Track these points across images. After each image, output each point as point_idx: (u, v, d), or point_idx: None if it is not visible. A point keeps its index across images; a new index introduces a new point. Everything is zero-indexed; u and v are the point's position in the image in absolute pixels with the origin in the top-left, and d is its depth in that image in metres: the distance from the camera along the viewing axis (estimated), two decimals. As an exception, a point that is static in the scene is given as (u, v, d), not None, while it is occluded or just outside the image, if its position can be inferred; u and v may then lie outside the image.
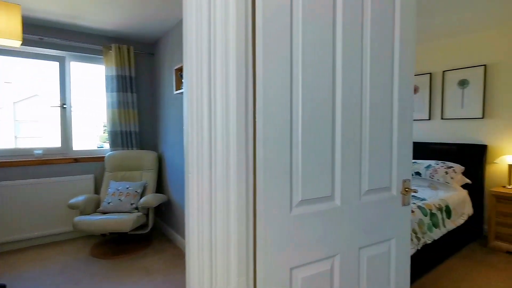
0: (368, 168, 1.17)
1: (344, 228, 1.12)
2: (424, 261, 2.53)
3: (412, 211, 2.45)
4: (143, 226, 3.09)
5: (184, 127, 0.95)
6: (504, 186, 3.09)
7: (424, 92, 3.88)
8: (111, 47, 3.42)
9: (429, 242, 2.47)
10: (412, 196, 2.92)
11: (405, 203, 1.32)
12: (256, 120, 0.89)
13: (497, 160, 3.12)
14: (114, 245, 3.14)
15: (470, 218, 3.12)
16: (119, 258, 2.85)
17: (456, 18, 2.92)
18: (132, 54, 3.52)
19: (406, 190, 1.30)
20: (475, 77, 3.40)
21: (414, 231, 2.35)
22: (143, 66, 3.76)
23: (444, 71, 3.67)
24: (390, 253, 1.29)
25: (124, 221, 2.74)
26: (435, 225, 2.56)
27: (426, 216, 2.52)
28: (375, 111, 1.17)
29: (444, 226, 2.67)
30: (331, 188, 1.08)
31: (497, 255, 2.84)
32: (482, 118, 3.37)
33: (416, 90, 3.98)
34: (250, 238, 0.89)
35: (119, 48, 3.44)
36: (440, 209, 2.71)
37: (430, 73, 3.82)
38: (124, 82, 3.50)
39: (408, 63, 1.26)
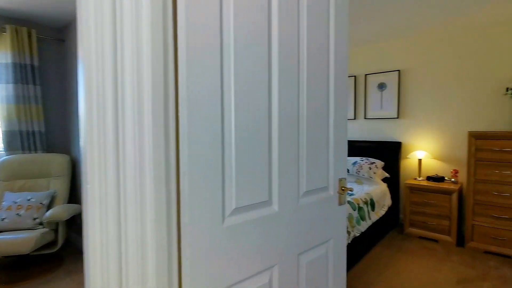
0: (306, 168, 1.10)
1: (282, 234, 1.02)
2: (353, 253, 2.66)
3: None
4: (51, 244, 2.59)
5: (81, 126, 0.72)
6: (415, 178, 3.47)
7: (350, 94, 4.15)
8: (5, 28, 2.79)
9: (358, 235, 2.61)
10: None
11: (341, 202, 1.29)
12: (179, 112, 0.72)
13: (409, 155, 3.49)
14: (12, 271, 2.56)
15: (389, 209, 3.43)
16: (18, 286, 2.32)
17: (374, 26, 3.16)
18: (34, 39, 2.94)
19: (342, 189, 1.27)
20: (391, 81, 3.76)
21: (345, 226, 2.44)
22: (50, 54, 3.18)
23: (366, 75, 3.98)
24: (328, 254, 1.24)
25: (23, 241, 2.24)
26: (362, 218, 2.72)
27: (354, 210, 2.65)
28: (312, 112, 1.11)
29: (370, 218, 2.86)
30: (269, 192, 0.97)
31: (411, 241, 3.17)
32: (397, 118, 3.74)
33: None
34: (173, 260, 0.72)
35: (16, 30, 2.84)
36: (366, 202, 2.89)
37: (354, 76, 4.10)
38: (23, 72, 2.89)
39: (342, 68, 1.24)
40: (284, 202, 1.02)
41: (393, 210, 3.60)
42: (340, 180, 1.27)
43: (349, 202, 2.68)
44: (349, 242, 2.45)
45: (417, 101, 3.60)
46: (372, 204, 3.00)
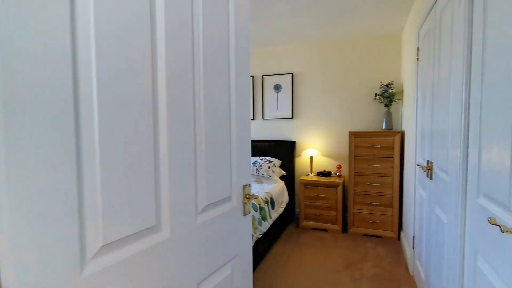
0: (206, 178, 0.91)
1: (177, 264, 0.80)
2: (256, 255, 2.63)
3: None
4: None
5: None
6: (308, 174, 3.74)
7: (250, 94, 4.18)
8: None
9: (260, 236, 2.59)
10: (243, 192, 3.01)
11: (246, 212, 1.16)
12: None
13: (302, 153, 3.74)
14: None
15: (287, 205, 3.59)
16: None
17: (269, 29, 3.23)
18: None
19: (247, 197, 1.14)
20: (286, 83, 3.96)
21: (248, 229, 2.36)
22: None
23: (263, 76, 4.08)
24: (234, 273, 1.09)
25: None
26: (264, 218, 2.72)
27: (256, 211, 2.62)
28: (211, 112, 0.92)
29: (270, 217, 2.90)
30: (156, 214, 0.73)
31: (306, 233, 3.39)
32: (291, 118, 3.96)
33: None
34: None
35: None
36: (266, 202, 2.91)
37: (252, 76, 4.15)
38: None
39: (243, 66, 1.10)
40: (179, 223, 0.80)
41: (290, 205, 3.80)
42: (245, 187, 1.14)
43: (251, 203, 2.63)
44: (253, 245, 2.39)
45: (308, 102, 3.89)
46: (272, 202, 3.05)
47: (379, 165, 3.19)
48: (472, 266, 1.12)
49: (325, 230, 3.47)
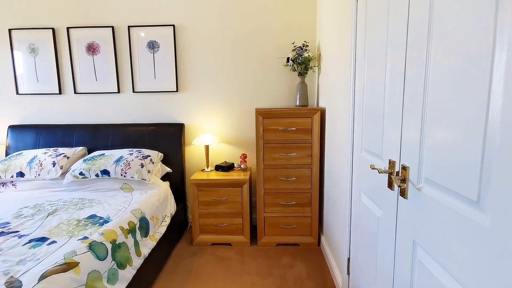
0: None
1: None
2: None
3: (71, 264, 1.27)
4: None
5: None
6: (203, 170, 2.72)
7: (108, 53, 2.76)
8: None
9: (114, 301, 1.45)
10: (89, 219, 1.76)
11: None
12: None
13: (194, 140, 2.67)
14: None
15: (176, 212, 2.51)
16: None
17: None
18: None
19: None
20: (165, 39, 2.72)
21: (75, 311, 1.19)
22: None
23: (130, 27, 2.71)
24: None
25: None
26: (122, 264, 1.57)
27: (104, 259, 1.45)
28: None
29: (140, 253, 1.77)
30: None
31: (203, 253, 2.42)
32: (176, 91, 2.79)
33: (95, 49, 2.76)
34: None
35: None
36: (132, 230, 1.76)
37: (112, 27, 2.73)
38: None
39: None
40: None
41: (181, 212, 2.73)
42: None
43: (93, 246, 1.44)
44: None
45: (200, 69, 2.77)
46: (144, 226, 1.91)
47: (294, 154, 2.41)
48: None
49: (228, 244, 2.57)
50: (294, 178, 2.44)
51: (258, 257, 2.36)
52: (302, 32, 2.67)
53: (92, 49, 2.76)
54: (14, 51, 2.78)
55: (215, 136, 2.76)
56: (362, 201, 1.45)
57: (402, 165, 1.00)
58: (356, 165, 1.56)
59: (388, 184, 1.10)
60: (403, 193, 0.98)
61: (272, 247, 2.51)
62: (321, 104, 2.48)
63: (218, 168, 2.68)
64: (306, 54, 2.44)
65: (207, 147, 2.69)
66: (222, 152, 2.87)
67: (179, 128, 2.74)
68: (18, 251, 1.38)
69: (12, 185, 2.41)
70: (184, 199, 2.85)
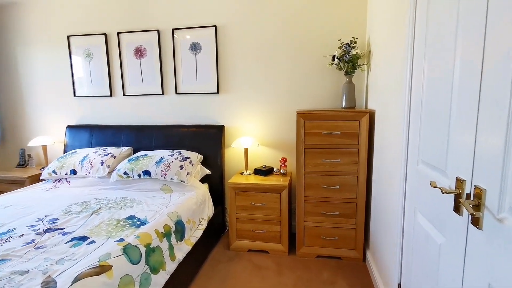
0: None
1: None
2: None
3: (105, 268, 1.27)
4: None
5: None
6: (242, 173, 2.65)
7: (154, 56, 2.84)
8: None
9: (145, 307, 1.43)
10: (127, 221, 1.79)
11: None
12: None
13: (234, 143, 2.61)
14: None
15: (215, 215, 2.48)
16: None
17: None
18: None
19: None
20: (207, 40, 2.70)
21: (105, 317, 1.18)
22: None
23: (174, 29, 2.75)
24: None
25: None
26: (155, 269, 1.55)
27: (138, 263, 1.44)
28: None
29: (174, 257, 1.75)
30: None
31: (240, 259, 2.34)
32: (217, 93, 2.76)
33: (142, 52, 2.86)
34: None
35: None
36: (167, 233, 1.75)
37: (157, 30, 2.79)
38: None
39: None
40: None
41: (219, 215, 2.70)
42: None
43: (127, 249, 1.44)
44: None
45: (240, 70, 2.71)
46: (179, 230, 1.89)
47: (338, 160, 2.22)
48: None
49: (265, 252, 2.46)
50: (338, 187, 2.24)
51: (296, 269, 2.21)
52: (349, 28, 2.45)
53: (139, 52, 2.86)
54: (72, 56, 3.01)
55: (255, 139, 2.67)
56: (418, 221, 1.23)
57: (475, 186, 0.79)
58: (411, 178, 1.34)
59: (454, 207, 0.89)
60: (476, 222, 0.78)
61: (312, 259, 2.34)
62: (370, 106, 2.25)
63: (257, 172, 2.59)
64: (354, 51, 2.23)
65: (246, 150, 2.61)
66: (262, 155, 2.77)
67: (219, 130, 2.71)
68: (59, 249, 1.43)
69: (66, 181, 2.60)
70: (223, 201, 2.82)
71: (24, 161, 3.17)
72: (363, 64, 2.40)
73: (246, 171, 2.65)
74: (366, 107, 2.42)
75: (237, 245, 2.49)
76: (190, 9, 2.70)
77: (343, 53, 2.25)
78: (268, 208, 2.39)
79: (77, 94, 3.07)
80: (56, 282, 1.16)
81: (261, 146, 2.76)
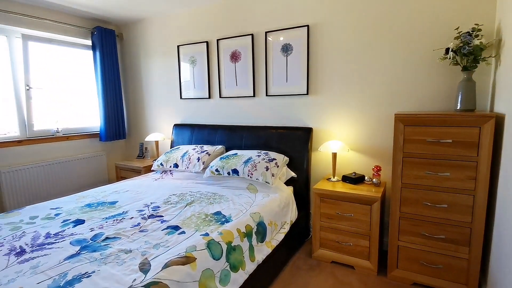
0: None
1: None
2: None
3: (190, 259, 1.38)
4: None
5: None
6: (329, 179, 2.51)
7: (247, 60, 2.96)
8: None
9: (223, 303, 1.49)
10: (214, 216, 1.91)
11: None
12: None
13: (321, 147, 2.49)
14: None
15: (297, 220, 2.43)
16: None
17: None
18: None
19: None
20: (299, 41, 2.65)
21: (186, 305, 1.27)
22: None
23: (267, 32, 2.80)
24: None
25: None
26: (235, 267, 1.60)
27: (219, 259, 1.51)
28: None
29: (254, 258, 1.77)
30: None
31: (322, 270, 2.23)
32: (306, 94, 2.68)
33: (237, 56, 3.01)
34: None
35: None
36: (248, 233, 1.78)
37: (251, 34, 2.89)
38: None
39: None
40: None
41: (303, 219, 2.63)
42: None
43: (210, 245, 1.53)
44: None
45: (332, 70, 2.56)
46: (261, 231, 1.91)
47: (447, 174, 1.84)
48: None
49: (350, 266, 2.26)
50: (445, 206, 1.87)
51: (386, 293, 1.96)
52: (470, 14, 2.01)
53: (234, 56, 3.03)
54: (181, 63, 3.41)
55: (344, 143, 2.48)
56: None
57: None
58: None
59: None
60: None
61: (407, 286, 2.03)
62: (499, 109, 1.78)
63: (346, 179, 2.40)
64: (476, 42, 1.81)
65: (334, 155, 2.46)
66: (351, 162, 2.56)
67: (307, 133, 2.63)
68: (157, 235, 1.63)
69: (170, 173, 2.97)
70: (308, 206, 2.73)
71: (142, 153, 3.79)
72: (489, 57, 1.93)
73: (334, 177, 2.49)
74: (491, 110, 1.94)
75: (320, 254, 2.37)
76: (283, 10, 2.70)
77: (461, 44, 1.86)
78: (356, 220, 2.19)
79: (183, 96, 3.47)
80: (150, 265, 1.31)
81: (351, 151, 2.55)
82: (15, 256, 1.43)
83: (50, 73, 3.29)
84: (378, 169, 2.32)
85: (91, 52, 3.64)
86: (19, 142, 3.00)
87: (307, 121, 2.73)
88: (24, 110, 3.07)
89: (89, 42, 3.57)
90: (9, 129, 3.00)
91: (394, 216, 2.04)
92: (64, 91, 3.44)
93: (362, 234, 2.18)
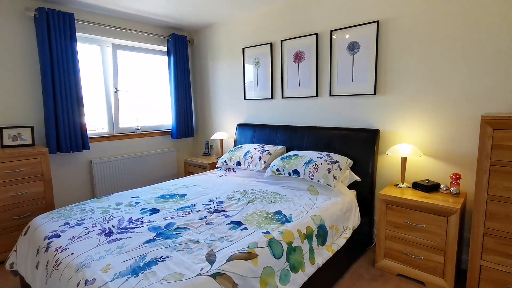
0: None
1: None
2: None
3: (252, 255, 1.43)
4: None
5: None
6: (397, 185, 2.33)
7: (311, 60, 2.92)
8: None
9: (283, 302, 1.51)
10: (275, 215, 1.94)
11: None
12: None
13: (389, 150, 2.33)
14: None
15: (360, 225, 2.32)
16: None
17: None
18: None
19: None
20: (366, 38, 2.52)
21: (248, 299, 1.33)
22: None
23: (332, 31, 2.73)
24: None
25: None
26: (295, 267, 1.61)
27: (279, 258, 1.54)
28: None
29: (314, 261, 1.75)
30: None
31: (387, 282, 2.09)
32: (374, 94, 2.54)
33: (301, 57, 2.99)
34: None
35: None
36: (309, 235, 1.77)
37: (316, 34, 2.85)
38: None
39: None
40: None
41: (364, 226, 2.50)
42: None
43: (272, 243, 1.56)
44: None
45: (403, 68, 2.38)
46: (322, 234, 1.88)
47: (550, 187, 1.56)
48: None
49: (420, 282, 2.08)
50: (546, 224, 1.59)
51: (463, 316, 1.75)
52: None
53: (298, 57, 3.02)
54: (245, 65, 3.53)
55: (415, 147, 2.28)
56: None
57: None
58: None
59: None
60: None
61: (490, 312, 1.78)
62: None
63: (417, 186, 2.21)
64: None
65: (404, 159, 2.28)
66: (424, 167, 2.34)
67: (373, 135, 2.49)
68: (221, 228, 1.72)
69: (233, 171, 3.10)
70: (371, 213, 2.58)
71: (208, 150, 4.03)
72: None
73: (403, 183, 2.31)
74: None
75: (384, 264, 2.22)
76: (350, 7, 2.59)
77: None
78: (428, 232, 2.00)
79: (246, 97, 3.59)
80: (215, 257, 1.40)
81: (424, 156, 2.33)
82: (105, 236, 1.66)
83: (133, 77, 3.73)
84: (457, 177, 2.08)
85: (166, 57, 4.01)
86: (107, 138, 3.46)
87: (374, 123, 2.58)
88: (112, 110, 3.53)
89: (165, 48, 3.94)
90: (100, 126, 3.49)
91: (476, 232, 1.80)
92: (143, 93, 3.86)
93: (436, 248, 1.98)
